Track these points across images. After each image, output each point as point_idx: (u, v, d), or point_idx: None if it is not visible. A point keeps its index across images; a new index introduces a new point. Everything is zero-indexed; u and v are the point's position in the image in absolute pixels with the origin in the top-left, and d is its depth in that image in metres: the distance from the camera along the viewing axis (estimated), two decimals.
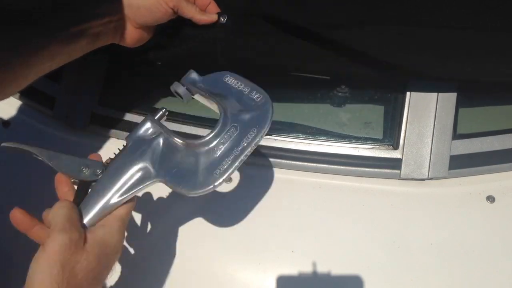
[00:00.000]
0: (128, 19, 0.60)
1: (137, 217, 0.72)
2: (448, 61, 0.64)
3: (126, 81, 0.84)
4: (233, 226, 0.70)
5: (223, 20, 0.64)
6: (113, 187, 0.51)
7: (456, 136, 0.70)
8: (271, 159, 0.74)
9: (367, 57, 0.64)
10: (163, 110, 0.56)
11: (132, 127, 0.78)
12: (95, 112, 0.80)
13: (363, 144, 0.73)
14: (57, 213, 0.49)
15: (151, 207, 0.74)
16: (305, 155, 0.73)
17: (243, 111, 0.53)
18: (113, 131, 0.80)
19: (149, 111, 0.79)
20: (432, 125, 0.70)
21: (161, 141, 0.53)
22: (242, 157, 0.50)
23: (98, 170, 0.53)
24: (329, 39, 0.63)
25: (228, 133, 0.52)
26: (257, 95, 0.54)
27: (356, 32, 0.62)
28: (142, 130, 0.54)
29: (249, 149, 0.51)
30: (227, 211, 0.71)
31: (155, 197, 0.74)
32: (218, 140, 0.52)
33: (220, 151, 0.51)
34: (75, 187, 0.54)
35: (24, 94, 0.86)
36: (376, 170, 0.71)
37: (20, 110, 0.86)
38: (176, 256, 0.68)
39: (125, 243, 0.67)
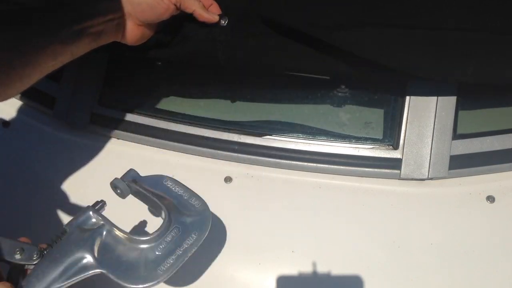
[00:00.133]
0: (130, 16, 0.60)
1: (137, 216, 0.72)
2: (448, 63, 0.64)
3: (126, 81, 0.84)
4: (233, 226, 0.70)
5: (224, 22, 0.64)
6: (53, 274, 0.50)
7: (456, 136, 0.70)
8: (271, 159, 0.74)
9: (367, 58, 0.64)
10: (102, 202, 0.57)
11: (132, 127, 0.80)
12: (95, 112, 0.80)
13: (363, 144, 0.73)
14: None
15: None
16: (305, 155, 0.73)
17: (184, 214, 0.55)
18: (113, 131, 0.80)
19: (149, 111, 0.80)
20: (432, 125, 0.70)
21: (104, 232, 0.54)
22: (184, 257, 0.53)
23: (34, 255, 0.51)
24: (329, 41, 0.63)
25: (172, 233, 0.54)
26: (197, 202, 0.57)
27: (356, 34, 0.62)
28: (82, 220, 0.54)
29: (191, 251, 0.53)
30: (227, 211, 0.71)
31: None
32: (161, 239, 0.54)
33: (164, 250, 0.53)
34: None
35: (24, 94, 0.86)
36: (376, 170, 0.71)
37: (20, 110, 0.86)
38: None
39: None
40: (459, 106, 0.70)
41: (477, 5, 0.58)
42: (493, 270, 0.64)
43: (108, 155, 0.80)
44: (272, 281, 0.65)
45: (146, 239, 0.53)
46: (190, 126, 0.77)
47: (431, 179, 0.70)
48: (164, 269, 0.51)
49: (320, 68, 0.72)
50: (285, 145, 0.74)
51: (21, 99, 0.87)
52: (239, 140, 0.75)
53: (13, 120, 0.85)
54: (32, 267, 0.51)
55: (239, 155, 0.75)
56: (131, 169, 0.59)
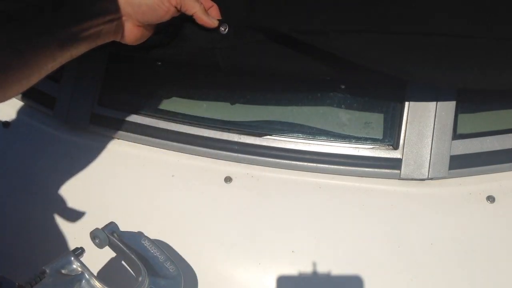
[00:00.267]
0: (130, 17, 0.60)
1: (137, 217, 0.72)
2: (448, 70, 0.64)
3: (126, 81, 0.84)
4: (233, 226, 0.70)
5: (224, 30, 0.64)
6: None
7: (456, 136, 0.70)
8: (271, 159, 0.74)
9: (366, 65, 0.63)
10: (81, 249, 0.57)
11: (132, 127, 0.80)
12: (95, 112, 0.80)
13: (363, 144, 0.73)
14: None
15: (151, 207, 0.74)
16: (305, 155, 0.73)
17: (159, 276, 0.56)
18: (113, 131, 0.80)
19: (149, 111, 0.80)
20: (432, 125, 0.70)
21: (83, 281, 0.53)
22: None
23: None
24: (327, 49, 0.62)
25: None
26: (171, 266, 0.57)
27: (355, 41, 0.61)
28: (62, 264, 0.54)
29: None
30: (227, 211, 0.71)
31: (155, 197, 0.74)
32: None
33: None
34: None
35: (25, 94, 0.86)
36: (376, 170, 0.71)
37: (21, 110, 0.87)
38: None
39: None
40: (459, 106, 0.70)
41: (476, 11, 0.58)
42: (493, 270, 0.64)
43: (108, 155, 0.80)
44: (272, 281, 0.65)
45: None
46: (190, 126, 0.77)
47: (431, 179, 0.70)
48: None
49: (319, 72, 0.72)
50: (285, 145, 0.74)
51: (21, 99, 0.87)
52: (239, 140, 0.75)
53: (13, 120, 0.85)
54: None
55: (239, 155, 0.75)
56: (111, 222, 0.60)
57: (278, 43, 0.65)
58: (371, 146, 0.72)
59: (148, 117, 0.79)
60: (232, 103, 0.78)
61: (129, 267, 0.59)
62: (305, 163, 0.73)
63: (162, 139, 0.78)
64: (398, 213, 0.69)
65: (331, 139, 0.74)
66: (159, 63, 0.80)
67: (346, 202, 0.71)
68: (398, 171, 0.70)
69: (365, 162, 0.72)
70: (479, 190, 0.70)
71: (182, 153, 0.78)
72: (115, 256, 0.63)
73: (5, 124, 0.85)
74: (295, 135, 0.75)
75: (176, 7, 0.60)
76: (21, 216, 0.75)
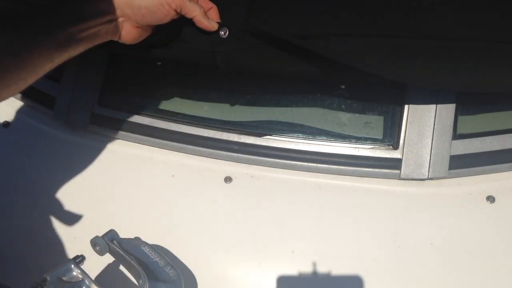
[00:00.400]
0: (128, 18, 0.60)
1: (137, 217, 0.72)
2: (447, 73, 0.64)
3: (126, 81, 0.84)
4: (233, 226, 0.70)
5: (224, 34, 0.64)
6: None
7: (456, 136, 0.70)
8: (271, 159, 0.74)
9: (365, 70, 0.63)
10: (82, 256, 0.57)
11: (132, 127, 0.80)
12: (95, 112, 0.80)
13: (363, 144, 0.73)
14: None
15: (151, 207, 0.74)
16: (305, 155, 0.73)
17: (160, 281, 0.56)
18: (113, 131, 0.80)
19: (149, 111, 0.80)
20: (432, 125, 0.70)
21: (83, 287, 0.54)
22: None
23: None
24: (326, 54, 0.62)
25: None
26: (172, 271, 0.58)
27: (354, 45, 0.61)
28: (63, 272, 0.55)
29: None
30: (227, 211, 0.71)
31: (155, 197, 0.74)
32: None
33: None
34: None
35: (24, 94, 0.86)
36: (376, 170, 0.71)
37: (20, 110, 0.87)
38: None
39: None
40: (459, 106, 0.70)
41: (476, 14, 0.58)
42: (493, 270, 0.64)
43: (108, 155, 0.80)
44: (272, 281, 0.65)
45: None
46: (190, 126, 0.77)
47: (431, 179, 0.70)
48: None
49: (319, 74, 0.72)
50: (285, 145, 0.74)
51: (21, 99, 0.87)
52: (239, 140, 0.75)
53: (13, 120, 0.85)
54: None
55: (239, 155, 0.75)
56: (111, 230, 0.60)
57: (278, 47, 0.65)
58: (371, 146, 0.72)
59: (148, 117, 0.79)
60: (232, 104, 0.78)
61: (130, 273, 0.60)
62: (305, 163, 0.73)
63: (162, 139, 0.78)
64: (398, 213, 0.69)
65: (331, 139, 0.74)
66: (159, 63, 0.80)
67: (346, 202, 0.71)
68: (398, 171, 0.70)
69: (365, 162, 0.72)
70: (479, 190, 0.70)
71: (182, 153, 0.78)
72: (115, 262, 0.64)
73: (5, 124, 0.85)
74: (295, 135, 0.75)
75: (176, 10, 0.60)
76: (21, 216, 0.75)
